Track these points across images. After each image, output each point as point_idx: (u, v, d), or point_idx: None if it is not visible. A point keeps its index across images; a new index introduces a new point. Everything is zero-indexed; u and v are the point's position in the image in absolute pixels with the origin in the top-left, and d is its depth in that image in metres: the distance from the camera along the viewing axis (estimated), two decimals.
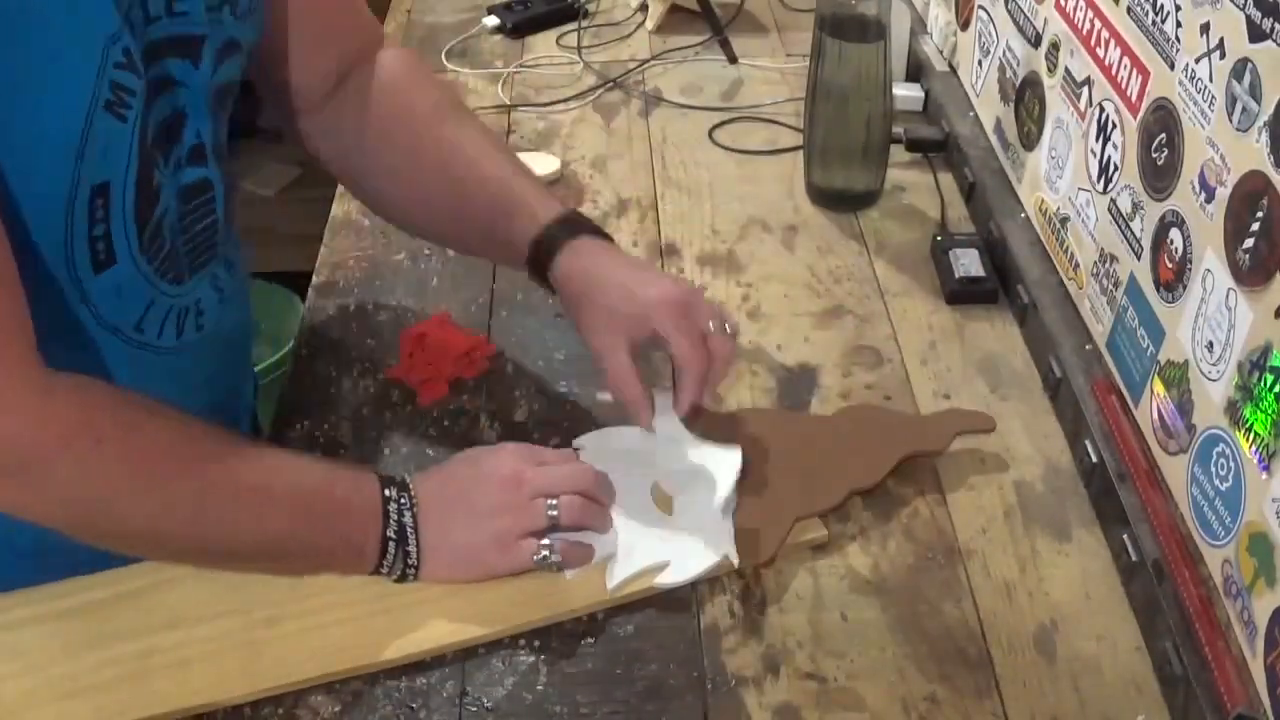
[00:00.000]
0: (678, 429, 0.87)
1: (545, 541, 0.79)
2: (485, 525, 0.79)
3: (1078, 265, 0.99)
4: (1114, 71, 0.91)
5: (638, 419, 0.85)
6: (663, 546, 0.81)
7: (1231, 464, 0.73)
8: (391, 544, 0.77)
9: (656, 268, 0.94)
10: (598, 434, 0.90)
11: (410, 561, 0.78)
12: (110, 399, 0.70)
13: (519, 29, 1.52)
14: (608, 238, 0.89)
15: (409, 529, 0.77)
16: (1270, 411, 0.69)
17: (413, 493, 0.78)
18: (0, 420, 0.64)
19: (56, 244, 0.69)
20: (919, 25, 1.40)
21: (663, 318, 0.82)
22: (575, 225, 0.87)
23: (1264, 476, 0.69)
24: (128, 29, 0.67)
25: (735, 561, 0.81)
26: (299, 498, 0.75)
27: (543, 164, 1.22)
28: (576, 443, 0.89)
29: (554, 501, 0.79)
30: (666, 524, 0.83)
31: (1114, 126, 0.92)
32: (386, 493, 0.77)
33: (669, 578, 0.80)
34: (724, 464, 0.85)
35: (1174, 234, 0.82)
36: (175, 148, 0.75)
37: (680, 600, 0.81)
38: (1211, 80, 0.76)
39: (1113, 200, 0.92)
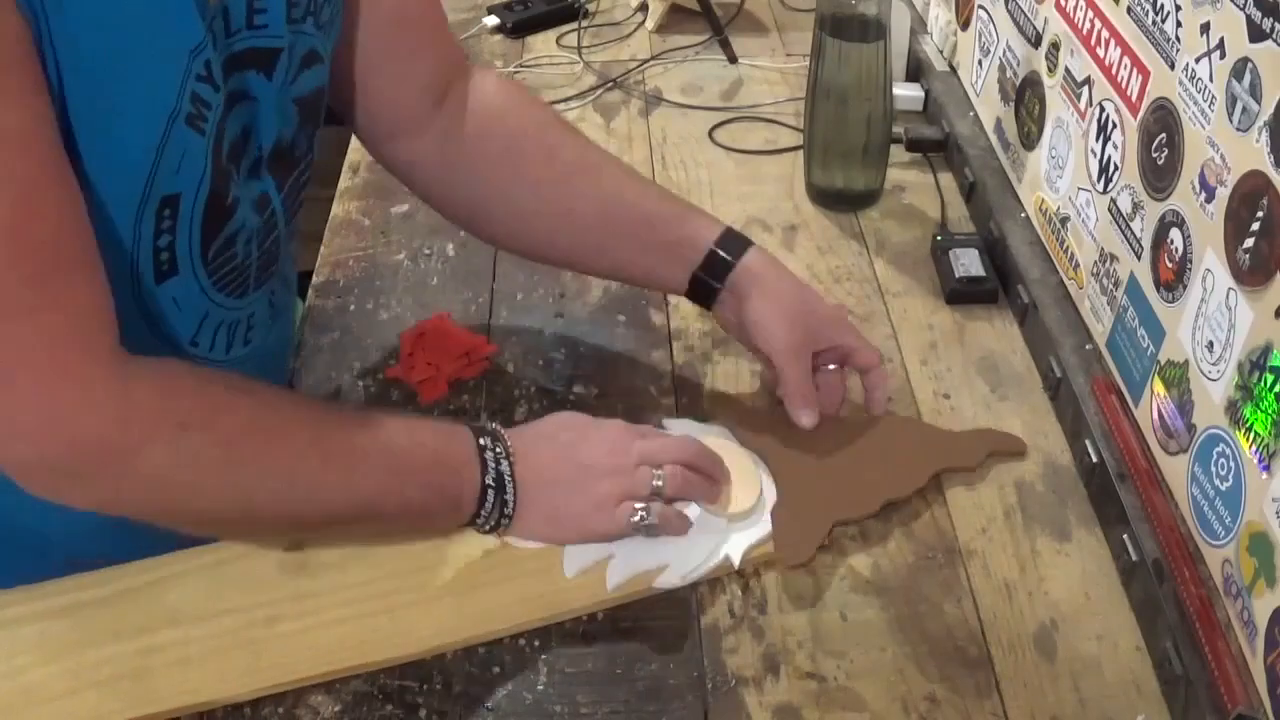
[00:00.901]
0: (689, 429, 0.88)
1: (641, 505, 0.79)
2: (590, 486, 0.79)
3: (1078, 265, 0.99)
4: (1114, 71, 0.91)
5: (802, 420, 0.86)
6: (663, 547, 0.81)
7: (1232, 464, 0.73)
8: (490, 491, 0.77)
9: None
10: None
11: (507, 511, 0.78)
12: (191, 380, 0.69)
13: (519, 29, 1.52)
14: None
15: (506, 477, 0.77)
16: (1270, 411, 0.69)
17: (507, 442, 0.79)
18: (86, 416, 0.64)
19: (122, 251, 0.68)
20: (919, 25, 1.40)
21: (844, 330, 0.88)
22: (743, 240, 0.89)
23: (1264, 476, 0.69)
24: (210, 41, 0.67)
25: (736, 563, 0.81)
26: (390, 454, 0.75)
27: None
28: None
29: (660, 471, 0.79)
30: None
31: (1114, 126, 0.92)
32: (480, 441, 0.77)
33: (668, 579, 0.80)
34: (737, 467, 0.85)
35: (1174, 234, 0.82)
36: (245, 160, 0.75)
37: (680, 600, 0.81)
38: (1212, 80, 0.76)
39: (1113, 200, 0.92)
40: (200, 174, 0.70)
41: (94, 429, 0.64)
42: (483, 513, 0.78)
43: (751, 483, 0.85)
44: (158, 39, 0.65)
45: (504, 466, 0.78)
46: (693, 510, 0.83)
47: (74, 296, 0.63)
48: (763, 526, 0.83)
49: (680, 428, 0.90)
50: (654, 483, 0.79)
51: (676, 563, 0.81)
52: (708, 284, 0.88)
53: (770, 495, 0.85)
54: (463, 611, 0.78)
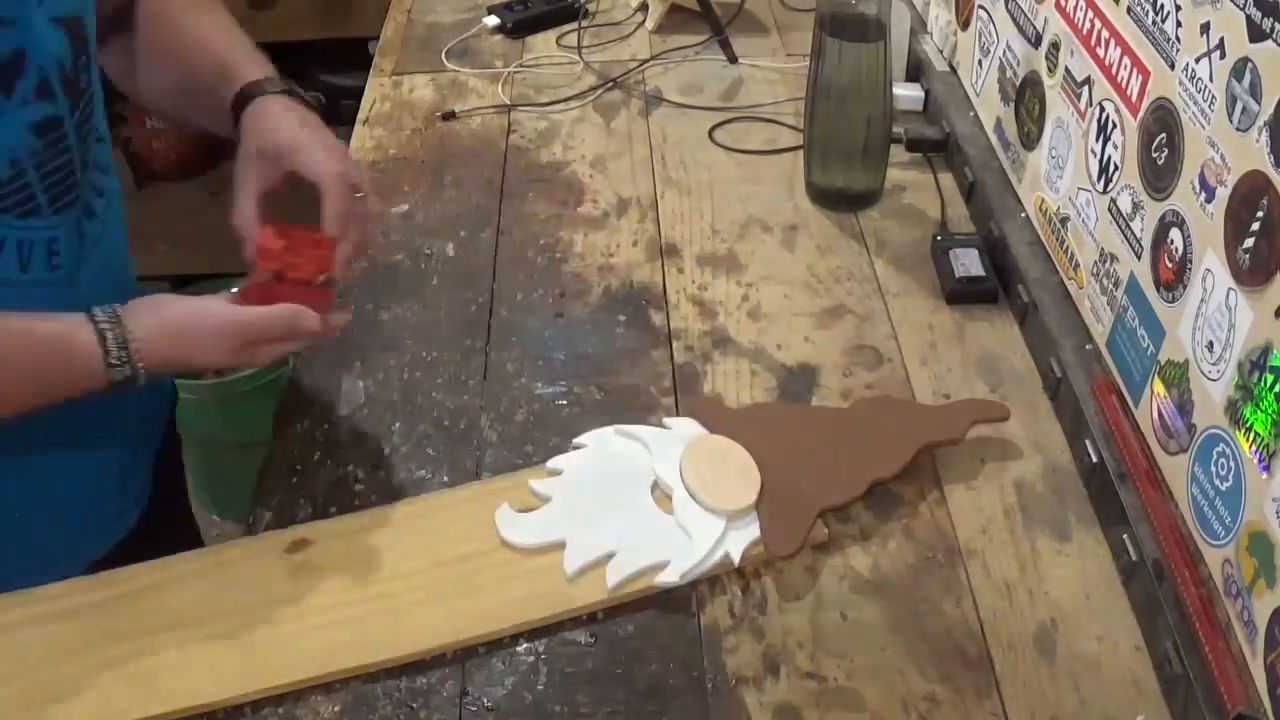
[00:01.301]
0: (690, 429, 0.89)
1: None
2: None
3: (1078, 265, 0.99)
4: (1114, 71, 0.91)
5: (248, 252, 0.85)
6: (662, 545, 0.82)
7: (1231, 464, 0.73)
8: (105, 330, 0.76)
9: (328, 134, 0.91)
10: (599, 433, 0.91)
11: (131, 339, 0.77)
12: None
13: (519, 29, 1.52)
14: (312, 107, 0.91)
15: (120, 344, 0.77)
16: (1270, 411, 0.69)
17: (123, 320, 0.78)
18: None
19: None
20: (919, 25, 1.40)
21: (302, 158, 0.85)
22: (267, 86, 0.89)
23: (1264, 476, 0.69)
24: None
25: (736, 560, 0.81)
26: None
27: None
28: (577, 441, 0.90)
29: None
30: (666, 523, 0.84)
31: (1114, 126, 0.92)
32: (97, 315, 0.77)
33: (668, 577, 0.80)
34: (738, 465, 0.86)
35: (1174, 234, 0.82)
36: (20, 83, 0.76)
37: (680, 600, 0.81)
38: (1212, 80, 0.76)
39: (1113, 200, 0.92)
40: None
41: None
42: (107, 351, 0.76)
43: (752, 480, 0.85)
44: None
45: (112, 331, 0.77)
46: (694, 509, 0.83)
47: None
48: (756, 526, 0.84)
49: (681, 426, 0.91)
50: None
51: (677, 560, 0.81)
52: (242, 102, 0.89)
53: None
54: (464, 611, 0.78)
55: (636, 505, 0.85)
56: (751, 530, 0.83)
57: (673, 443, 0.88)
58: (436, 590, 0.79)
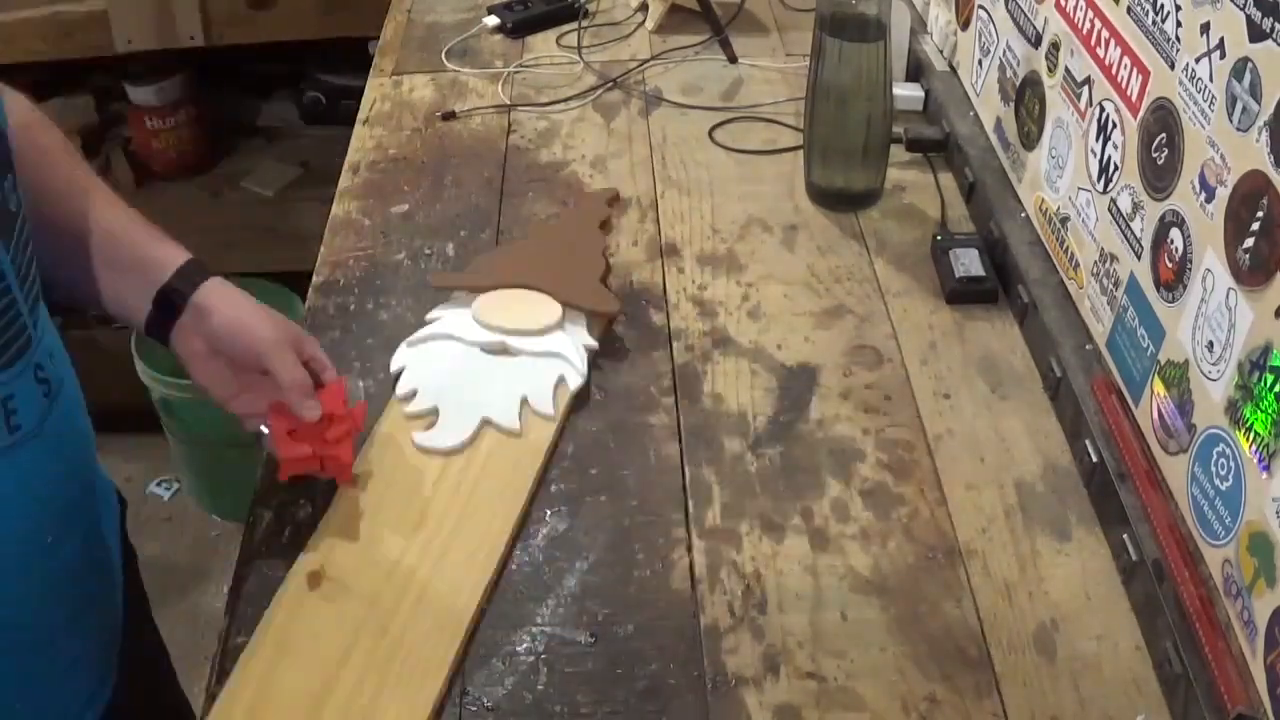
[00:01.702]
0: (456, 309, 1.03)
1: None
2: None
3: (1078, 265, 0.99)
4: (1114, 71, 0.91)
5: (304, 409, 0.82)
6: (547, 369, 0.96)
7: (1232, 464, 0.73)
8: None
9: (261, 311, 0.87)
10: (399, 356, 0.99)
11: None
12: None
13: (519, 29, 1.52)
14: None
15: None
16: (1270, 411, 0.69)
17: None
18: None
19: None
20: (919, 25, 1.40)
21: (312, 343, 0.86)
22: (204, 270, 0.86)
23: (1264, 476, 0.69)
24: None
25: (595, 344, 0.99)
26: None
27: None
28: (394, 367, 0.98)
29: None
30: (528, 359, 0.97)
31: (1114, 126, 0.92)
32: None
33: (574, 381, 0.96)
34: (528, 299, 1.02)
35: (1174, 234, 0.82)
36: None
37: (680, 600, 0.81)
38: (1212, 80, 0.76)
39: (1113, 200, 0.92)
40: None
41: None
42: None
43: (546, 300, 1.01)
44: None
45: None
46: (531, 339, 0.98)
47: None
48: (577, 319, 1.01)
49: (445, 312, 1.03)
50: None
51: (566, 370, 0.96)
52: (170, 302, 0.83)
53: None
54: (484, 529, 0.84)
55: (494, 367, 0.97)
56: (576, 325, 1.00)
57: (457, 321, 1.01)
58: (455, 532, 0.83)
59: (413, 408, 0.94)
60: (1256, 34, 0.71)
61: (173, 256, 0.85)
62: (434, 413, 0.93)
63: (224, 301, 0.84)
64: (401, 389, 0.95)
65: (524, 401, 0.93)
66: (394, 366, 0.98)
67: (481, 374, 0.97)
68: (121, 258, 0.84)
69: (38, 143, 0.82)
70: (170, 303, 0.83)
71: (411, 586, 0.80)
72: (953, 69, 1.32)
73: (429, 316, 1.03)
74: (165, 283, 0.83)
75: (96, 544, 0.85)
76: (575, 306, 1.01)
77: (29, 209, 0.73)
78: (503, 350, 0.98)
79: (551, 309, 1.00)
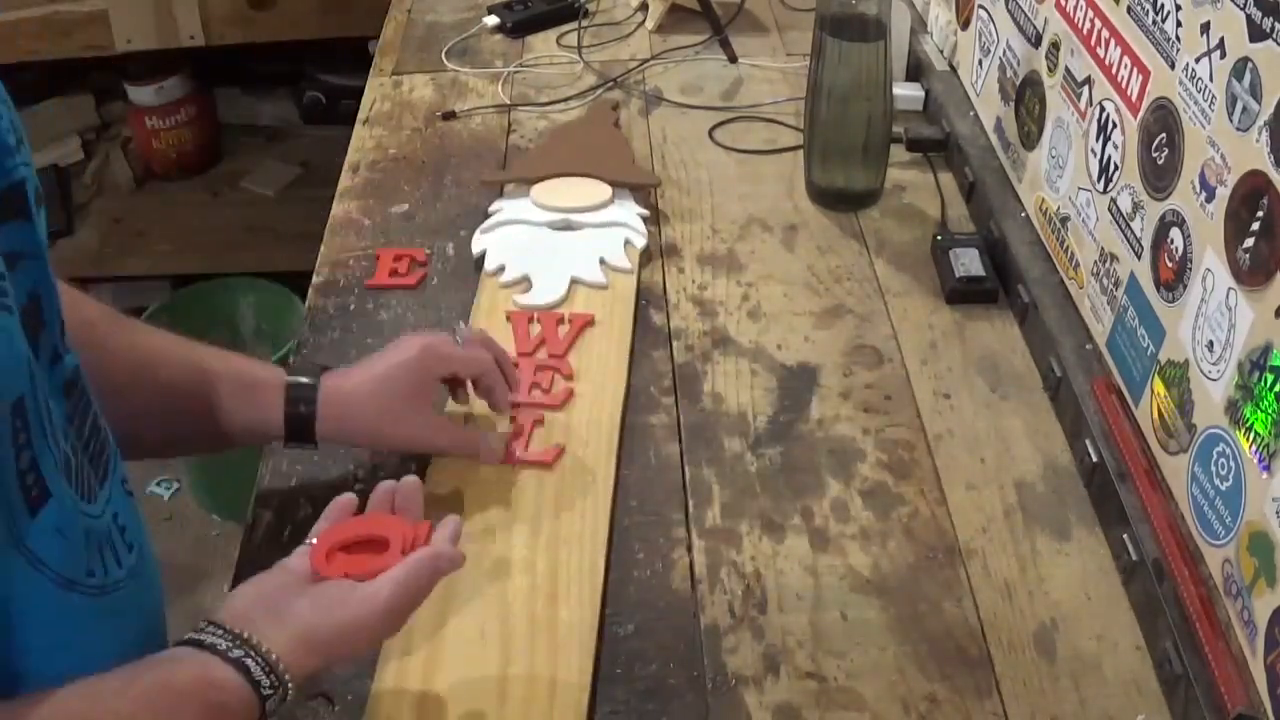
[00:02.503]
0: (513, 200, 1.16)
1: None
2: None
3: (1078, 265, 0.99)
4: (1114, 71, 0.91)
5: (488, 458, 0.88)
6: (613, 234, 1.10)
7: (1232, 463, 0.73)
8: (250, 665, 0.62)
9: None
10: (479, 239, 1.12)
11: (273, 660, 0.63)
12: None
13: (519, 28, 1.52)
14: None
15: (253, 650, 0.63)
16: (1270, 411, 0.69)
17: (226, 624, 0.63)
18: None
19: None
20: (919, 25, 1.40)
21: (432, 360, 0.84)
22: (313, 371, 0.84)
23: (1264, 476, 0.69)
24: None
25: (647, 213, 1.14)
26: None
27: None
28: (475, 249, 1.10)
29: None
30: (593, 230, 1.11)
31: (1114, 126, 0.92)
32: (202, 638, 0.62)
33: (639, 241, 1.11)
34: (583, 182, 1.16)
35: (1174, 233, 0.82)
36: (45, 334, 0.60)
37: (680, 600, 0.81)
38: (1212, 80, 0.76)
39: (1113, 200, 0.92)
40: (25, 360, 0.55)
41: None
42: (262, 691, 0.62)
43: (593, 182, 1.15)
44: None
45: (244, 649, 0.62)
46: (591, 215, 1.13)
47: None
48: (624, 195, 1.15)
49: (505, 203, 1.15)
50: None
51: (631, 234, 1.11)
52: (300, 414, 0.82)
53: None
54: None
55: (566, 239, 1.10)
56: (627, 200, 1.15)
57: (519, 209, 1.13)
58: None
59: (506, 278, 1.06)
60: (1257, 34, 0.71)
61: (273, 373, 0.83)
62: (526, 280, 1.06)
63: (344, 376, 0.84)
64: (490, 265, 1.08)
65: (602, 261, 1.08)
66: (475, 249, 1.10)
67: (557, 245, 1.10)
68: (233, 391, 0.81)
69: (83, 317, 0.73)
70: (299, 410, 0.82)
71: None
72: (953, 69, 1.32)
73: (490, 209, 1.15)
74: (287, 393, 0.82)
75: None
76: (620, 184, 1.16)
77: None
78: (567, 226, 1.11)
79: (601, 187, 1.15)
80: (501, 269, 1.07)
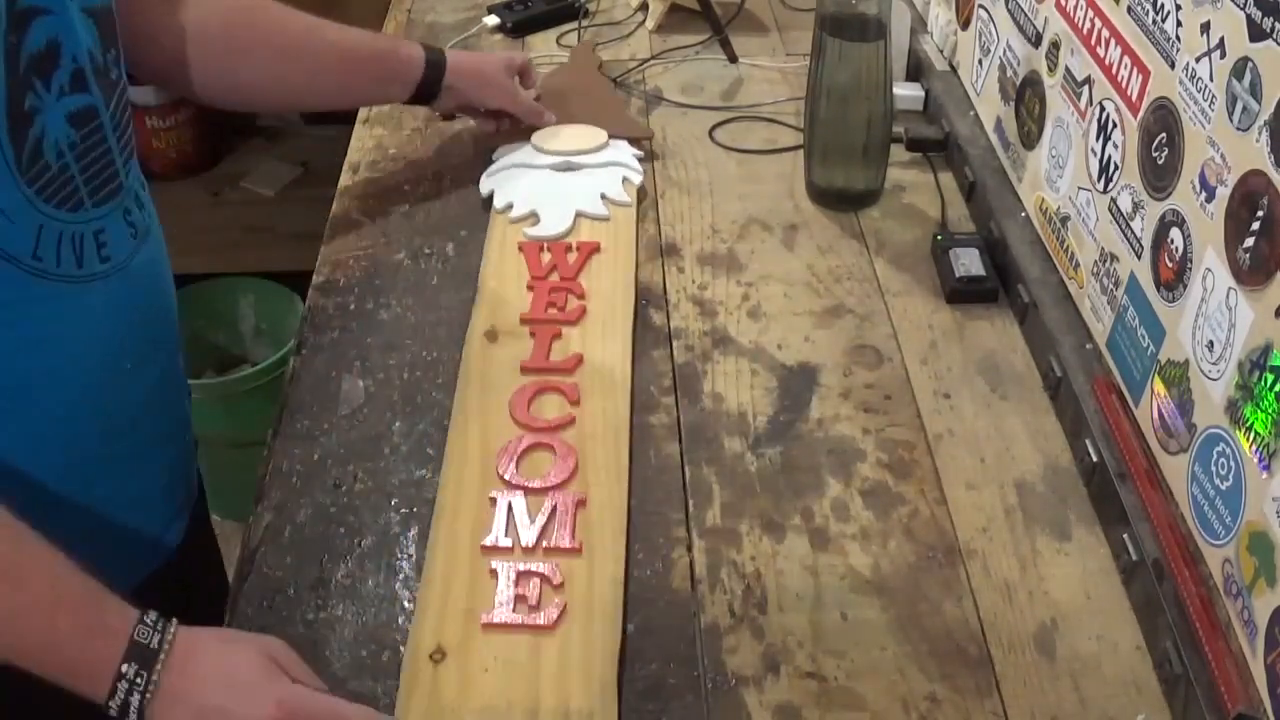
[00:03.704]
0: (514, 146, 1.25)
1: None
2: None
3: (1078, 264, 0.99)
4: (1114, 71, 0.91)
5: (542, 120, 1.24)
6: (612, 172, 1.18)
7: (1232, 463, 0.73)
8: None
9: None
10: (486, 180, 1.19)
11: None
12: None
13: (519, 28, 1.52)
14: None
15: (132, 710, 0.68)
16: (1271, 411, 0.69)
17: (156, 679, 0.68)
18: None
19: None
20: (919, 24, 1.40)
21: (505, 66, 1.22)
22: (439, 51, 1.18)
23: (1264, 476, 0.69)
24: None
25: (641, 154, 1.23)
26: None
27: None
28: (483, 190, 1.19)
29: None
30: (593, 169, 1.19)
31: (1114, 126, 0.92)
32: (123, 669, 0.68)
33: (636, 178, 1.19)
34: (577, 129, 1.25)
35: (1174, 233, 0.82)
36: (57, 73, 0.76)
37: (680, 600, 0.81)
38: (1212, 79, 0.76)
39: (1113, 199, 0.92)
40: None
41: None
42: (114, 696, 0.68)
43: (589, 128, 1.24)
44: None
45: (134, 700, 0.68)
46: (595, 155, 1.21)
47: None
48: (618, 143, 1.24)
49: (516, 152, 1.23)
50: None
51: (629, 173, 1.19)
52: (430, 88, 1.17)
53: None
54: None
55: (569, 178, 1.18)
56: (620, 140, 1.24)
57: (521, 154, 1.22)
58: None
59: (515, 214, 1.14)
60: (1257, 33, 0.71)
61: (415, 52, 1.16)
62: (534, 215, 1.13)
63: (461, 77, 1.19)
64: (499, 203, 1.16)
65: (603, 196, 1.16)
66: (483, 189, 1.18)
67: (560, 183, 1.18)
68: (379, 67, 1.15)
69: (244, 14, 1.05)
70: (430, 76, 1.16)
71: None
72: (953, 68, 1.32)
73: (494, 156, 1.23)
74: (420, 78, 1.16)
75: (170, 385, 0.96)
76: (616, 136, 1.24)
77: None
78: (568, 168, 1.19)
79: (598, 131, 1.24)
80: (510, 206, 1.15)
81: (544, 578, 0.80)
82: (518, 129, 1.25)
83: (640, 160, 1.22)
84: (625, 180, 1.19)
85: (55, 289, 0.78)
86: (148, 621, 0.69)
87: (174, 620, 0.70)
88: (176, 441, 0.99)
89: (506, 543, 0.83)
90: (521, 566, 0.81)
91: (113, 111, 0.82)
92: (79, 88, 0.78)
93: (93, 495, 0.86)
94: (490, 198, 1.18)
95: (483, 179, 1.20)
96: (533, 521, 0.84)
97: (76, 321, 0.80)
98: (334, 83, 1.13)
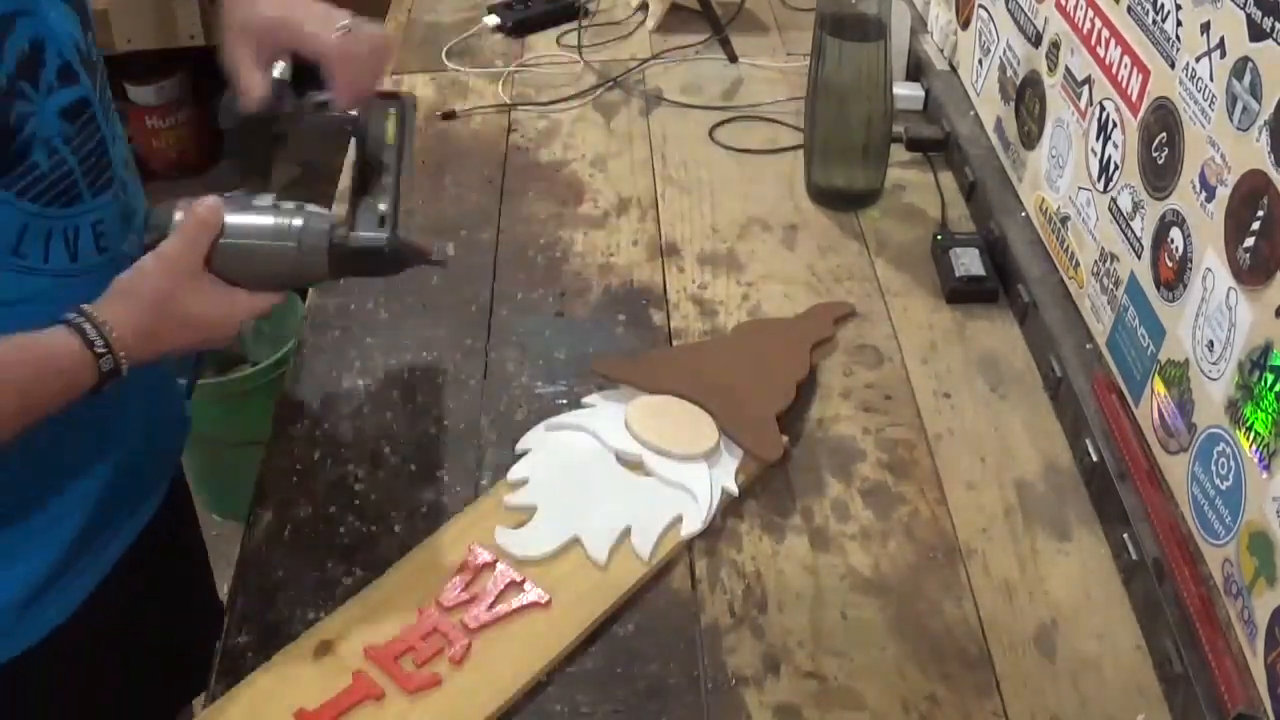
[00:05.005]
0: (613, 403, 0.94)
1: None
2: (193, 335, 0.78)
3: (1078, 264, 0.99)
4: (1114, 70, 0.91)
5: (250, 98, 0.85)
6: (665, 505, 0.85)
7: (1232, 463, 0.73)
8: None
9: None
10: (534, 435, 0.92)
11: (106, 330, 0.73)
12: None
13: (519, 28, 1.52)
14: None
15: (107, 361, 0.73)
16: (1271, 410, 0.69)
17: (110, 334, 0.73)
18: None
19: None
20: (919, 24, 1.40)
21: (299, 32, 0.83)
22: None
23: (1264, 476, 0.69)
24: None
25: (735, 490, 0.87)
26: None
27: None
28: (520, 447, 0.91)
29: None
30: (653, 485, 0.87)
31: (1114, 125, 0.92)
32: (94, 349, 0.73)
33: (691, 526, 0.84)
34: (688, 413, 0.92)
35: (1174, 233, 0.82)
36: (43, 72, 0.75)
37: (680, 600, 0.81)
38: (1212, 79, 0.76)
39: (1113, 199, 0.92)
40: None
41: None
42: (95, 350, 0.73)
43: (703, 419, 0.91)
44: None
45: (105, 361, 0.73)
46: (671, 463, 0.88)
47: None
48: (734, 453, 0.90)
49: (600, 400, 0.94)
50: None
51: (688, 511, 0.85)
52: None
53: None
54: (528, 643, 0.77)
55: (616, 481, 0.87)
56: (728, 460, 0.89)
57: (606, 417, 0.92)
58: (490, 637, 0.77)
59: (513, 500, 0.86)
60: (1257, 33, 0.71)
61: None
62: (531, 510, 0.85)
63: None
64: (514, 474, 0.88)
65: (625, 532, 0.84)
66: (519, 447, 0.91)
67: (597, 484, 0.87)
68: None
69: None
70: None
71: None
72: (953, 68, 1.32)
73: (585, 400, 0.95)
74: None
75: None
76: (734, 440, 0.90)
77: None
78: (637, 466, 0.89)
79: (707, 436, 0.90)
80: (523, 483, 0.88)
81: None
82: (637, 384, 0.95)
83: (724, 497, 0.88)
84: (676, 522, 0.85)
85: (48, 283, 0.77)
86: (85, 332, 0.73)
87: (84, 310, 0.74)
88: (168, 411, 0.97)
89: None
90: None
91: (99, 95, 0.82)
92: (68, 80, 0.77)
93: (87, 465, 0.86)
94: (521, 456, 0.90)
95: (537, 429, 0.92)
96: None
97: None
98: None
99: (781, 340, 1.00)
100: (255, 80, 0.83)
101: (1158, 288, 0.84)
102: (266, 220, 0.79)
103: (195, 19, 2.03)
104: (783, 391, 0.95)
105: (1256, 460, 0.70)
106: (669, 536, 0.84)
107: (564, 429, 0.92)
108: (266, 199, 0.80)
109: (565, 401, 0.96)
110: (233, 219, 0.77)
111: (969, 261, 1.08)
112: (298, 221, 0.79)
